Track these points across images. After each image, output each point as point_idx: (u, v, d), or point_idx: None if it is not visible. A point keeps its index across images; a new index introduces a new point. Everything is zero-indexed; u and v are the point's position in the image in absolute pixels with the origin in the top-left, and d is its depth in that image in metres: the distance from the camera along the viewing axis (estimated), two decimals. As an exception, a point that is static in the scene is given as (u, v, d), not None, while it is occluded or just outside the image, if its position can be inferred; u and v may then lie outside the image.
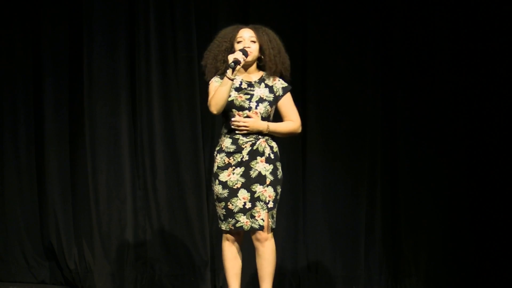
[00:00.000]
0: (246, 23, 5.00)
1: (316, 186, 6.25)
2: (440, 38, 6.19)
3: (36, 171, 6.32)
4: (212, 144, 6.24)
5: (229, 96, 4.75)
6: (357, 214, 6.23)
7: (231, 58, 4.68)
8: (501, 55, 6.12)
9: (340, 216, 6.24)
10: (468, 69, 6.17)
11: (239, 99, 4.78)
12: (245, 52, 4.72)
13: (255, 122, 4.75)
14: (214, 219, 6.20)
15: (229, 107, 4.77)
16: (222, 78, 4.74)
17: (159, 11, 6.20)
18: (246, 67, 4.83)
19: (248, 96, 4.79)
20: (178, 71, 6.24)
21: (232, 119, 4.76)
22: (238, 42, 4.81)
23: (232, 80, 4.68)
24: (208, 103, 4.76)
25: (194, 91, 6.21)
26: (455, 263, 6.17)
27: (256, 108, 4.78)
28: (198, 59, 6.17)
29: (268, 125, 4.77)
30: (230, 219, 4.78)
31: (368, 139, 6.26)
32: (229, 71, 4.66)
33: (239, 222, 4.75)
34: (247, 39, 4.80)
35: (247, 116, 4.76)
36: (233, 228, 4.77)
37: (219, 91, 4.70)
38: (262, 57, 4.84)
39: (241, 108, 4.77)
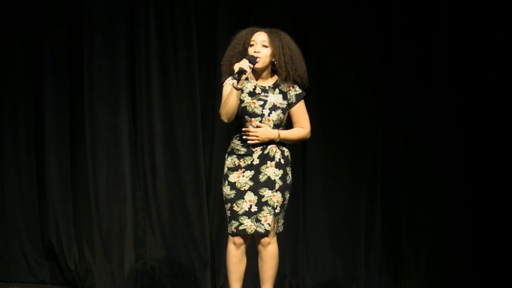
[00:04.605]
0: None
1: (316, 186, 6.25)
2: (440, 38, 6.19)
3: (36, 171, 6.31)
4: (212, 144, 6.25)
5: (242, 102, 4.73)
6: (357, 214, 6.23)
7: (236, 67, 4.64)
8: (501, 55, 6.12)
9: (340, 216, 6.24)
10: (468, 69, 6.17)
11: (252, 105, 4.76)
12: (252, 59, 4.68)
13: (265, 131, 4.73)
14: (214, 219, 6.21)
15: (242, 114, 4.75)
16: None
17: (159, 11, 6.20)
18: (259, 71, 4.80)
19: (261, 103, 4.77)
20: (178, 71, 6.23)
21: (243, 129, 4.75)
22: (251, 46, 4.77)
23: (239, 89, 4.65)
24: (219, 111, 4.75)
25: (194, 91, 6.20)
26: (455, 263, 6.18)
27: (268, 115, 4.76)
28: (198, 59, 6.21)
29: (279, 134, 4.76)
30: (233, 221, 4.75)
31: (368, 139, 6.26)
32: (234, 82, 4.64)
33: (242, 225, 4.73)
34: (259, 43, 4.76)
35: (258, 126, 4.75)
36: (235, 231, 4.75)
37: (227, 101, 4.67)
38: (275, 62, 4.81)
39: (253, 115, 4.75)
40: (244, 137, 4.74)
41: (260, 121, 4.75)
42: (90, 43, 6.17)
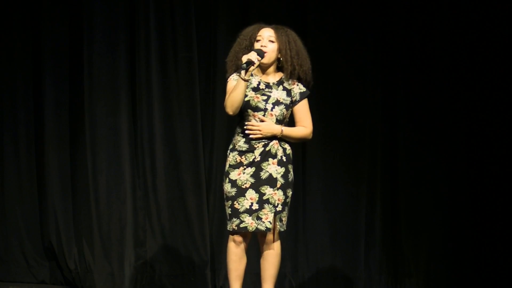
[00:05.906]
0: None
1: (316, 186, 6.25)
2: (440, 38, 6.19)
3: (36, 171, 6.31)
4: (212, 144, 6.25)
5: (245, 96, 4.73)
6: (357, 214, 6.24)
7: (244, 58, 4.65)
8: (501, 55, 6.13)
9: (340, 216, 6.24)
10: (468, 69, 6.18)
11: (255, 100, 4.76)
12: (260, 53, 4.69)
13: (268, 126, 4.73)
14: (214, 219, 6.21)
15: (245, 107, 4.75)
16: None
17: (159, 11, 6.20)
18: (264, 67, 4.80)
19: (265, 97, 4.77)
20: (178, 71, 6.24)
21: (246, 122, 4.75)
22: (257, 41, 4.78)
23: (246, 81, 4.65)
24: (224, 103, 4.74)
25: (194, 91, 6.21)
26: (455, 263, 6.18)
27: (271, 110, 4.76)
28: (198, 59, 6.21)
29: (282, 129, 4.76)
30: (234, 219, 4.74)
31: (368, 139, 6.27)
32: (242, 72, 4.64)
33: (243, 223, 4.72)
34: (265, 38, 4.77)
35: (262, 120, 4.76)
36: (236, 228, 4.74)
37: (233, 92, 4.67)
38: (281, 58, 4.81)
39: (256, 109, 4.75)
40: (246, 131, 4.75)
41: (263, 116, 4.75)
42: (90, 43, 6.17)
